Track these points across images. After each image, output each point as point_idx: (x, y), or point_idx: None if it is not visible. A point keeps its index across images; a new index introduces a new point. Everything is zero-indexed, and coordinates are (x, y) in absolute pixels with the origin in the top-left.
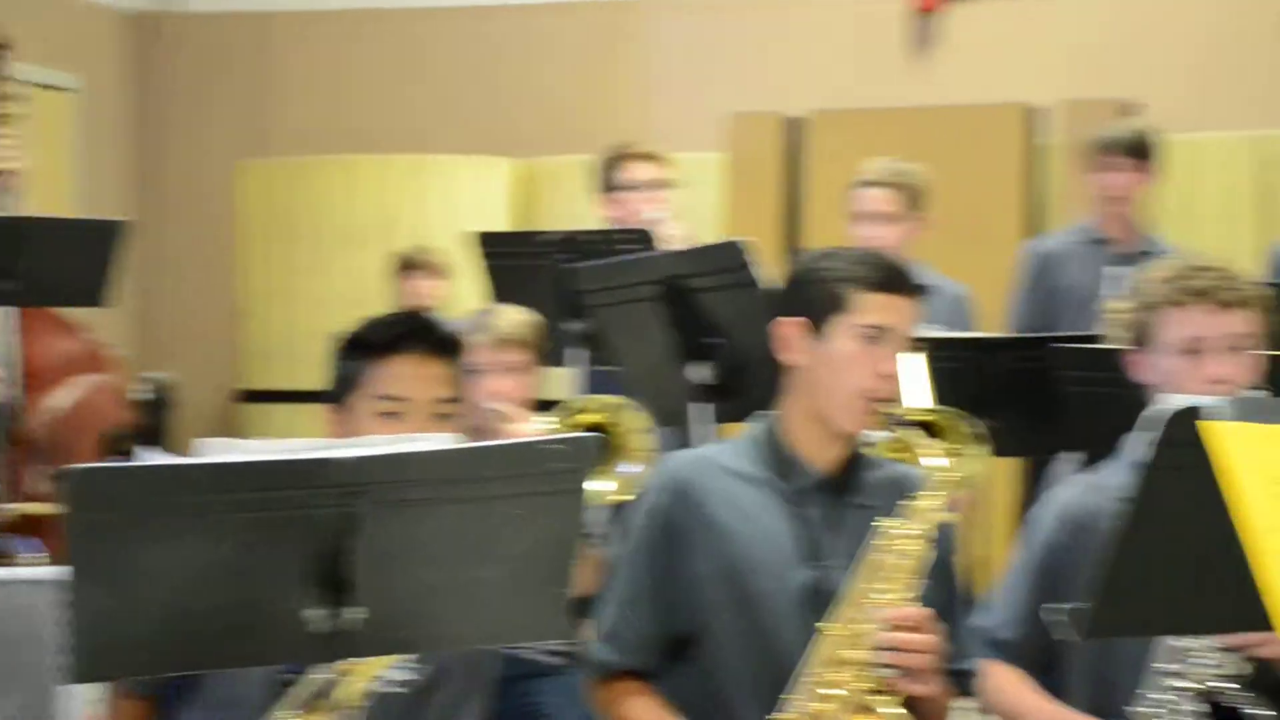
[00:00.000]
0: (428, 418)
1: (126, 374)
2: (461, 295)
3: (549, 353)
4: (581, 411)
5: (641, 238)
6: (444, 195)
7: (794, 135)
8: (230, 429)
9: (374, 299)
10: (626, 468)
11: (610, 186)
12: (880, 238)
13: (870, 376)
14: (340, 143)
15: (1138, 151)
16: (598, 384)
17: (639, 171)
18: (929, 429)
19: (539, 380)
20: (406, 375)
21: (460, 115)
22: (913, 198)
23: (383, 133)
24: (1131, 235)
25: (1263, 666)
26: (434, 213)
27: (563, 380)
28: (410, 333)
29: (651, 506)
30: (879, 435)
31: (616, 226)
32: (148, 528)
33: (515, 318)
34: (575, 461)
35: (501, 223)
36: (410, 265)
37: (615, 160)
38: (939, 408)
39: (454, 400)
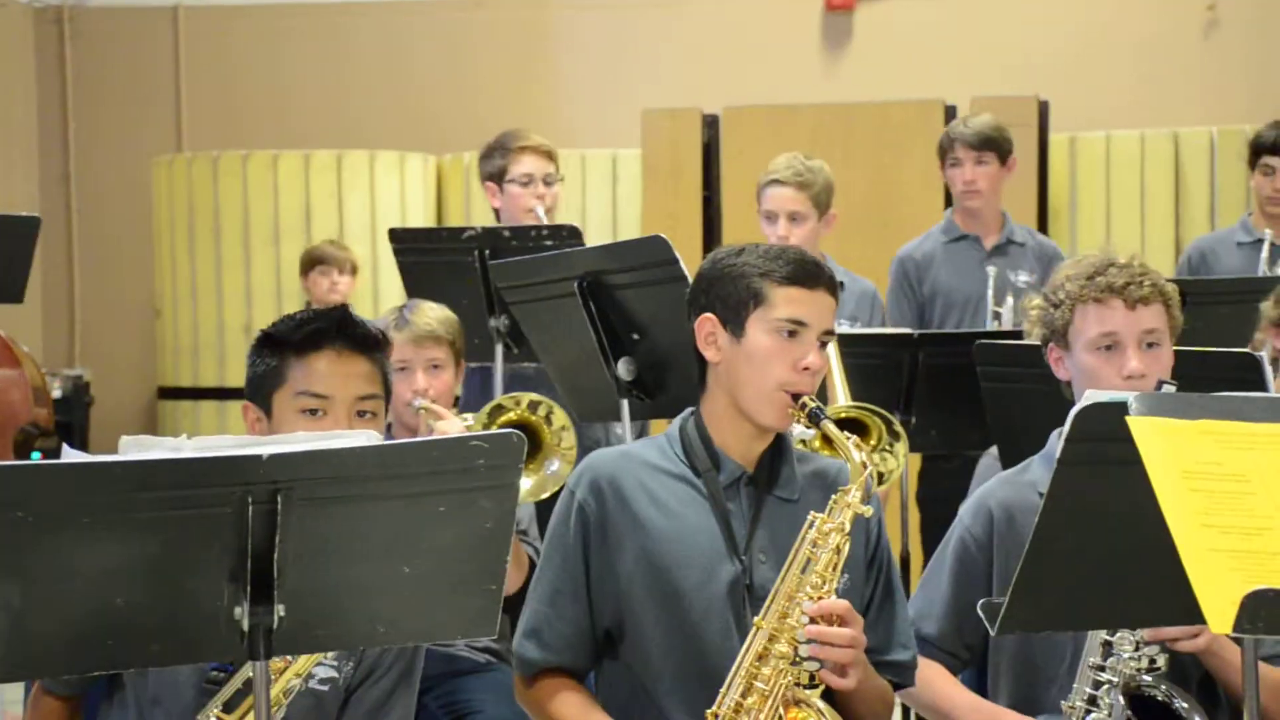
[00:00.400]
0: (350, 415)
1: (40, 371)
2: (386, 292)
3: (475, 349)
4: (507, 406)
5: (571, 234)
6: (364, 191)
7: (709, 132)
8: (151, 426)
9: (295, 295)
10: (548, 465)
11: (497, 178)
12: (790, 236)
13: (789, 371)
14: (260, 138)
15: (984, 145)
16: (519, 381)
17: (529, 164)
18: (850, 425)
19: (459, 377)
20: (328, 372)
21: (380, 111)
22: (818, 195)
23: (303, 128)
24: (993, 229)
25: (1183, 658)
26: (354, 208)
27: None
28: (331, 329)
29: (574, 503)
30: (804, 431)
31: (505, 223)
32: (66, 526)
33: (434, 314)
34: (501, 458)
35: (423, 219)
36: (317, 261)
37: (504, 151)
38: (860, 405)
39: (376, 397)
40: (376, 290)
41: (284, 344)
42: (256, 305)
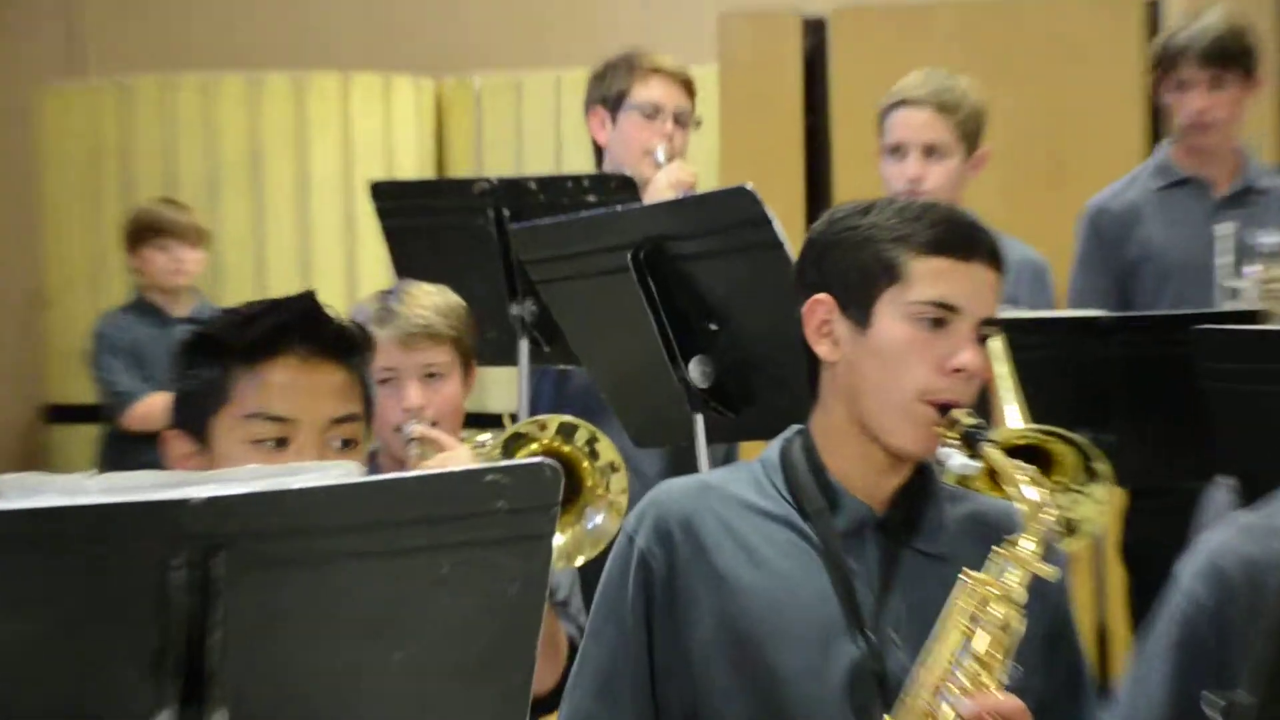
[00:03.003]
0: (321, 444)
1: None
2: (365, 270)
3: (487, 349)
4: (530, 435)
5: (623, 186)
6: (335, 128)
7: (813, 40)
8: (35, 458)
9: (238, 275)
10: (590, 517)
11: (613, 103)
12: (925, 177)
13: (934, 373)
14: (190, 57)
15: (1223, 60)
16: (552, 391)
17: (660, 91)
18: (1025, 454)
19: (469, 387)
20: (290, 386)
21: (354, 21)
22: (965, 123)
23: (251, 43)
24: (1227, 172)
25: None
26: (321, 152)
27: (508, 388)
28: (294, 325)
29: (634, 554)
30: (959, 460)
31: (607, 170)
32: None
33: (431, 301)
34: (529, 499)
35: (417, 166)
36: (148, 229)
37: (629, 69)
38: (1044, 428)
39: (355, 419)
40: (352, 268)
41: (226, 348)
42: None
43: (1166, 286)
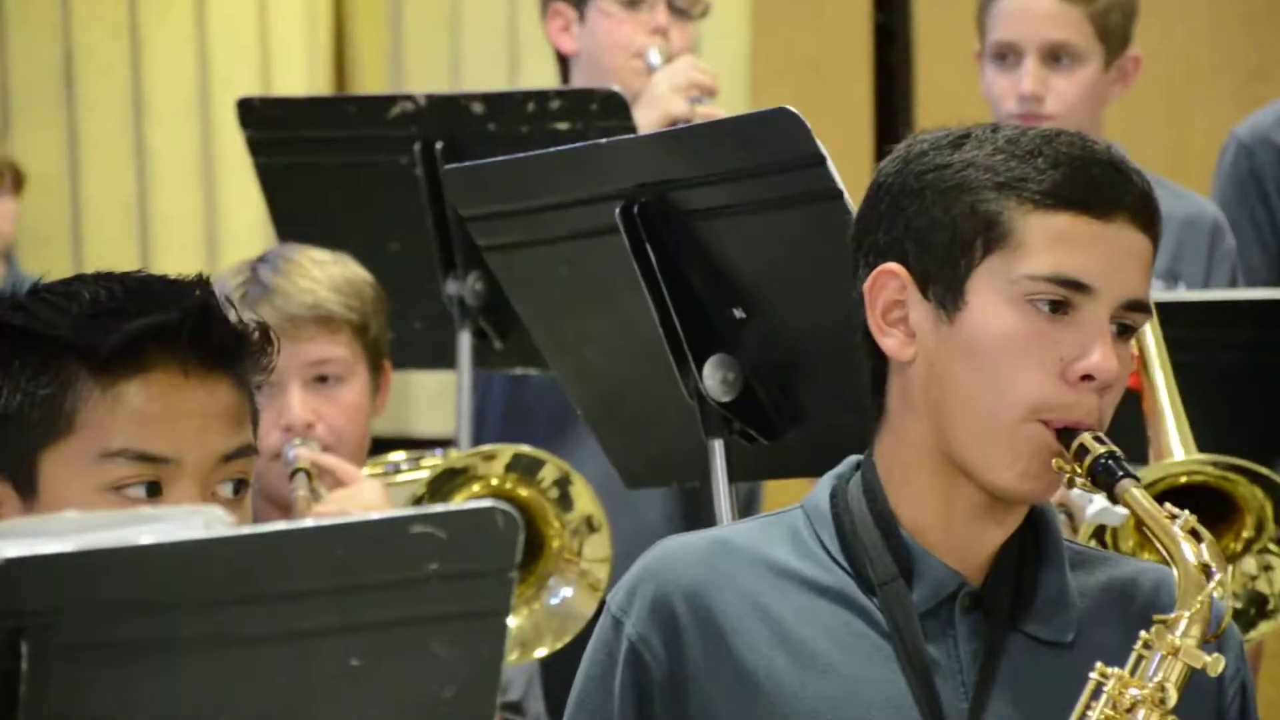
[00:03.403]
0: (204, 490)
1: None
2: (227, 225)
3: (410, 345)
4: (470, 470)
5: (608, 106)
6: (182, 23)
7: None
8: None
9: (48, 232)
10: (553, 591)
11: None
12: (1047, 94)
13: (1053, 380)
14: None
15: None
16: (502, 406)
17: None
18: (1188, 497)
19: (382, 394)
20: (165, 413)
21: None
22: (1106, 15)
23: None
24: None
25: None
26: (162, 58)
27: (441, 401)
28: (174, 329)
29: (621, 643)
30: (1091, 505)
31: (584, 81)
32: None
33: (324, 274)
34: (474, 559)
35: (300, 79)
36: None
37: None
38: (1217, 458)
39: (247, 452)
40: (210, 222)
41: (69, 354)
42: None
43: None
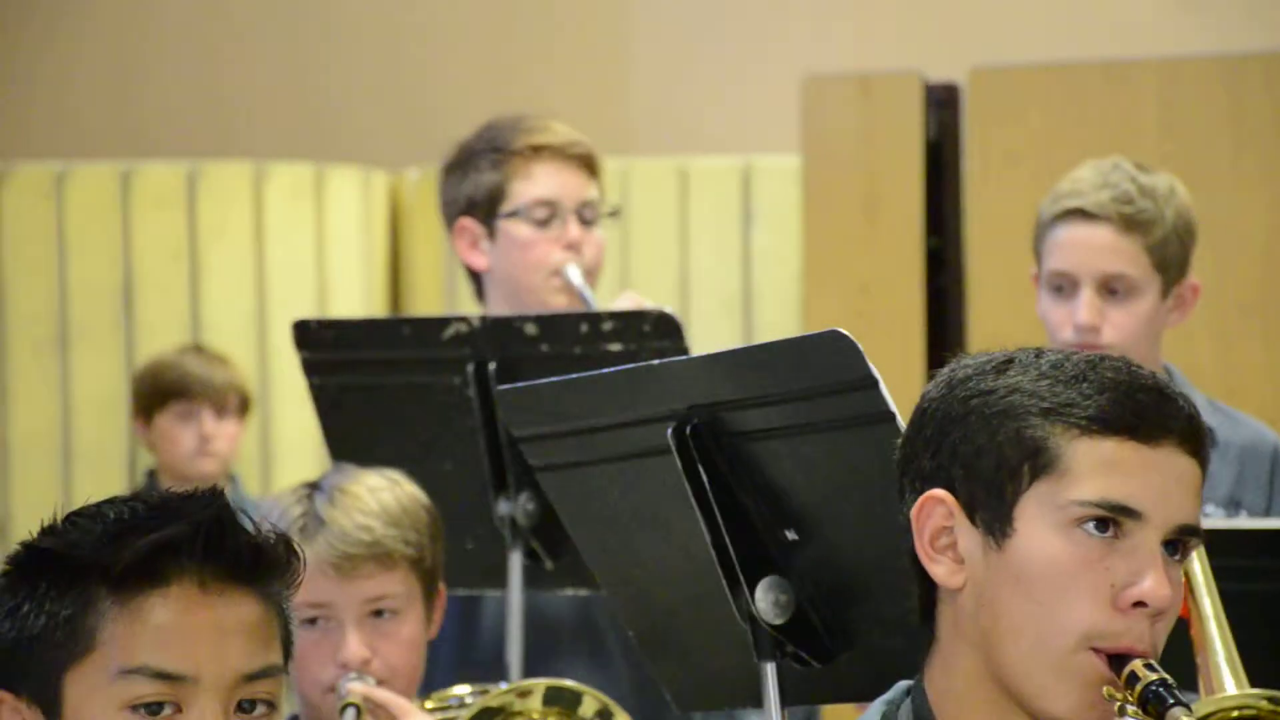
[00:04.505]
0: (224, 710)
1: None
2: (281, 447)
3: (461, 566)
4: (506, 709)
5: (661, 328)
6: (238, 238)
7: (941, 116)
8: None
9: (114, 452)
10: None
11: (483, 211)
12: (1104, 325)
13: (1104, 607)
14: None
15: None
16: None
17: (549, 181)
18: None
19: (435, 621)
20: (181, 629)
21: (277, 100)
22: (1164, 245)
23: (135, 127)
24: None
25: None
26: (217, 271)
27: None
28: (186, 541)
29: None
30: None
31: (510, 306)
32: None
33: (379, 503)
34: None
35: (364, 301)
36: (169, 392)
37: (495, 156)
38: (1273, 694)
39: (273, 673)
40: (265, 443)
41: (87, 573)
42: (19, 482)
43: None
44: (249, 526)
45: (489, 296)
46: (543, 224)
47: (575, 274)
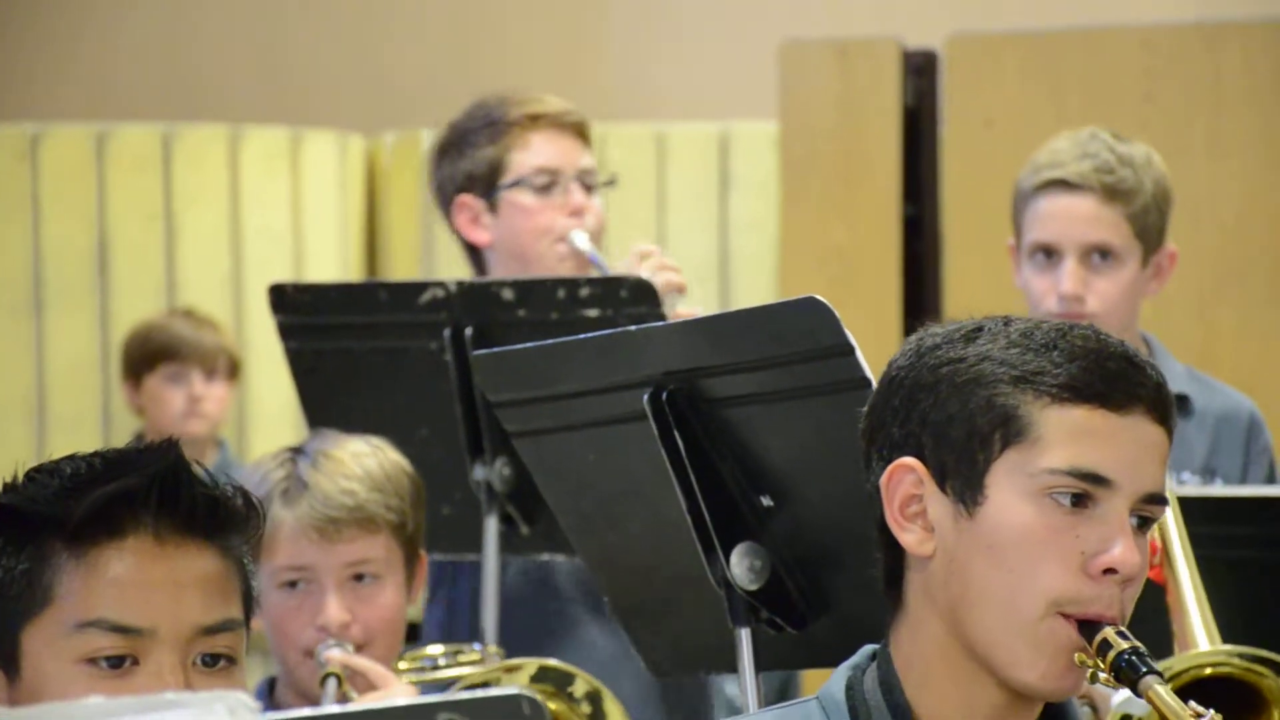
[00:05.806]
0: (182, 662)
1: None
2: (259, 409)
3: (439, 531)
4: (492, 685)
5: (639, 294)
6: (214, 202)
7: (918, 84)
8: None
9: (88, 412)
10: None
11: (483, 186)
12: (1088, 294)
13: (1074, 574)
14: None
15: None
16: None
17: (548, 151)
18: (1214, 692)
19: (416, 589)
20: (137, 581)
21: (263, 68)
22: (1144, 213)
23: (116, 86)
24: None
25: None
26: (192, 236)
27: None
28: (141, 494)
29: None
30: (1121, 699)
31: (506, 271)
32: None
33: (362, 468)
34: None
35: (340, 264)
36: (160, 354)
37: (494, 128)
38: (1242, 649)
39: (232, 626)
40: (240, 407)
41: (42, 527)
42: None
43: None
44: (205, 479)
45: (492, 272)
46: (544, 191)
47: (583, 239)
